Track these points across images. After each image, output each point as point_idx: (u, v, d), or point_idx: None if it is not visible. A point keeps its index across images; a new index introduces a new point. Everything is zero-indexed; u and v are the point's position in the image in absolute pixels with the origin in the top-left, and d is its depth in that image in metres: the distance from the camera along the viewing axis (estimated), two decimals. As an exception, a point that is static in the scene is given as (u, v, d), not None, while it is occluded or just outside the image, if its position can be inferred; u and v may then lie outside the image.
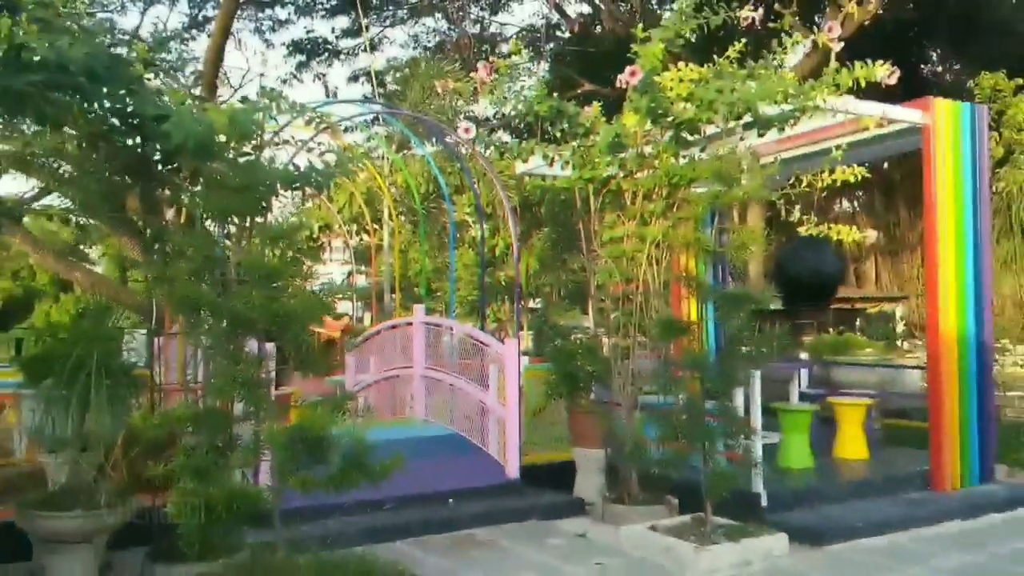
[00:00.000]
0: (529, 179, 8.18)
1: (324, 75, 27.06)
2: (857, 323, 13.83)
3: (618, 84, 6.54)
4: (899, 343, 13.83)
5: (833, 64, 6.50)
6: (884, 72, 6.39)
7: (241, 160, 4.92)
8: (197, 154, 4.70)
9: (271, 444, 4.46)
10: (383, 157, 17.17)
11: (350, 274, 26.42)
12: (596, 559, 6.30)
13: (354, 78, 28.55)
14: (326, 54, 27.12)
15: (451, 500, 7.45)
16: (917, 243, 25.91)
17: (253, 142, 5.68)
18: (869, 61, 6.45)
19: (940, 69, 26.76)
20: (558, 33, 27.30)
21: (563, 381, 7.96)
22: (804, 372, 9.98)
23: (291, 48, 26.91)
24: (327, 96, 27.21)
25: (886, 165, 25.00)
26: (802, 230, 7.69)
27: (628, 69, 6.38)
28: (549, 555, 6.38)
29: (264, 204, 4.76)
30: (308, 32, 27.11)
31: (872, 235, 7.55)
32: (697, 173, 6.90)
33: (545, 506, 7.54)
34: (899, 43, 21.44)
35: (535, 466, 8.41)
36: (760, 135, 6.84)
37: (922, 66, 26.02)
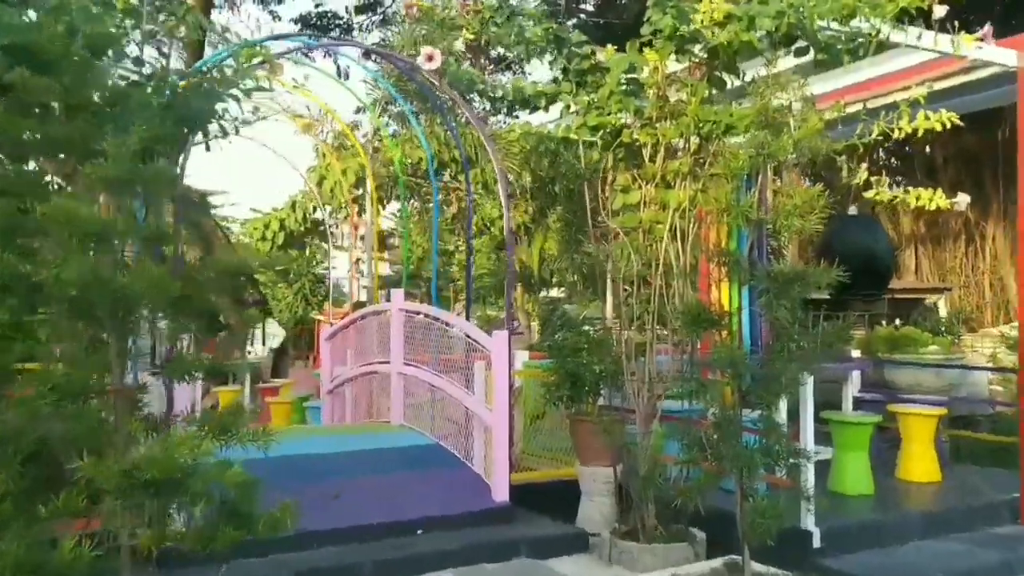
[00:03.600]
0: (520, 127, 6.66)
1: (335, 52, 25.51)
2: (908, 317, 12.25)
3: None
4: (957, 340, 12.15)
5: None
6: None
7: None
8: (13, 55, 3.22)
9: (102, 486, 2.98)
10: (392, 134, 15.69)
11: (357, 261, 24.98)
12: (597, 620, 4.81)
13: (366, 55, 27.04)
14: (336, 30, 25.65)
15: (420, 531, 5.95)
16: (960, 231, 24.16)
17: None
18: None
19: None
20: (581, 5, 25.70)
21: (565, 382, 6.45)
22: (856, 374, 8.40)
23: (300, 23, 25.46)
24: (339, 74, 25.60)
25: (928, 148, 23.18)
26: (869, 195, 6.10)
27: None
28: (536, 613, 4.88)
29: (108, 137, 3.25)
30: (317, 5, 25.61)
31: (964, 200, 5.92)
32: (735, 119, 5.34)
33: (538, 540, 6.02)
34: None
35: (531, 486, 6.91)
36: (817, 63, 5.28)
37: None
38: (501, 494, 6.36)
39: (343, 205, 16.54)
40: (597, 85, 5.55)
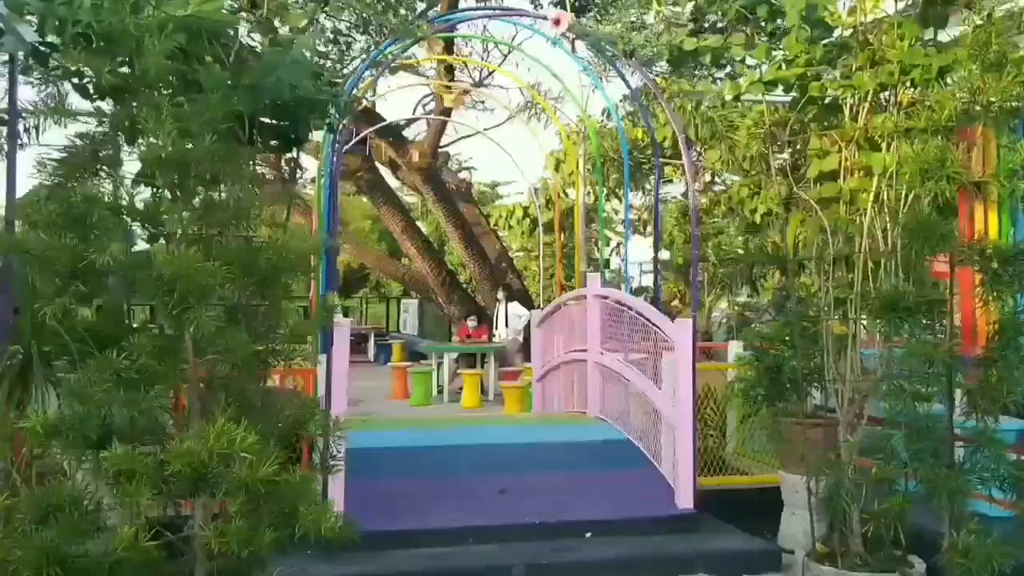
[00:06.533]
0: (671, 83, 5.89)
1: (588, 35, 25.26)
2: None
3: None
4: None
5: None
6: None
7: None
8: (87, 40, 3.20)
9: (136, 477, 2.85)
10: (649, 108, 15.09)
11: (618, 244, 24.73)
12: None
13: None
14: (593, 10, 25.38)
15: (588, 535, 5.49)
16: None
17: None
18: None
19: None
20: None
21: (763, 377, 5.67)
22: None
23: (559, 6, 25.47)
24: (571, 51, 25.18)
25: None
26: None
27: None
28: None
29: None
30: (576, -15, 25.39)
31: None
32: (952, 60, 4.33)
33: (721, 555, 5.32)
34: None
35: (730, 492, 6.23)
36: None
37: None
38: (685, 500, 5.73)
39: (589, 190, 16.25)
40: (777, 33, 4.76)
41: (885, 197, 4.82)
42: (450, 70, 14.77)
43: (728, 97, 4.96)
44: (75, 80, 3.81)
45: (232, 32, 3.98)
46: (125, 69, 3.55)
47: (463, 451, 6.24)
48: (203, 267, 2.85)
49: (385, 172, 17.37)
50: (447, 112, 14.89)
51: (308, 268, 3.57)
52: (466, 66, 16.65)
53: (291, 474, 2.96)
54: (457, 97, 12.18)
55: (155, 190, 3.43)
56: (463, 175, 23.65)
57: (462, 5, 13.37)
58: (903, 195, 4.79)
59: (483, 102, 18.78)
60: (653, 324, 6.12)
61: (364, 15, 10.84)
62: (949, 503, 3.90)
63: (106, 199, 2.90)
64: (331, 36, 14.00)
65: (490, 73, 18.04)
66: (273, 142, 4.42)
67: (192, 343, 3.14)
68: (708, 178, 16.56)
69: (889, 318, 4.20)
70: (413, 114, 18.01)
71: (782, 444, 5.74)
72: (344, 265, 29.81)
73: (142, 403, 3.00)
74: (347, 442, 5.23)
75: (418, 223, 24.30)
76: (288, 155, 4.51)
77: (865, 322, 5.02)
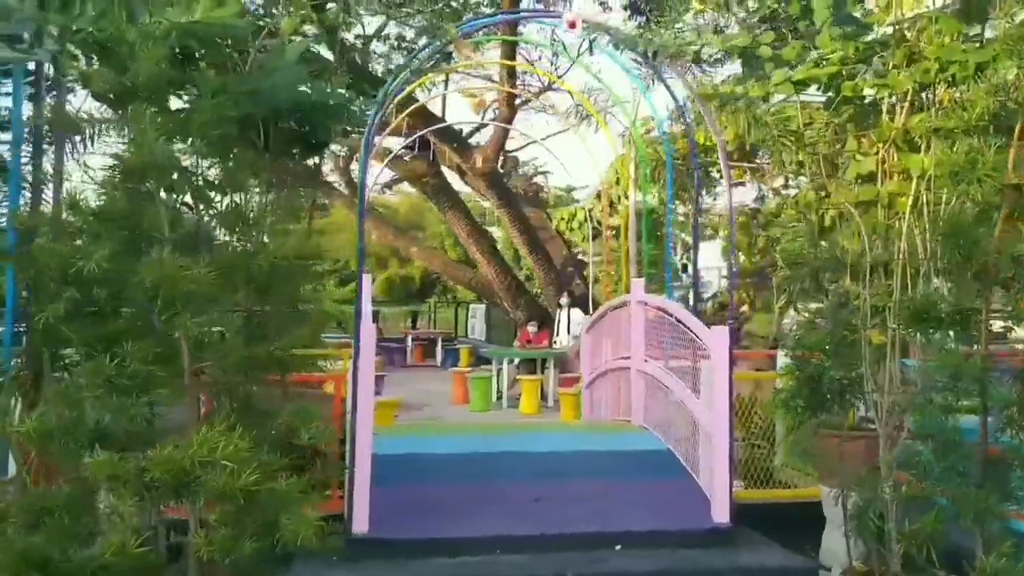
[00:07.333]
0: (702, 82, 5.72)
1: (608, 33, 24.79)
2: None
3: None
4: None
5: None
6: None
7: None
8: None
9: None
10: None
11: (688, 249, 24.32)
12: None
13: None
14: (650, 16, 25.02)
15: (618, 547, 5.37)
16: None
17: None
18: None
19: None
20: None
21: (802, 388, 5.47)
22: None
23: (630, 9, 25.22)
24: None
25: None
26: None
27: None
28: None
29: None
30: (642, -14, 25.12)
31: None
32: (993, 54, 4.11)
33: (757, 571, 5.15)
34: None
35: (772, 506, 6.04)
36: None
37: None
38: (721, 513, 5.56)
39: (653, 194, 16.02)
40: (809, 32, 4.59)
41: (924, 200, 4.60)
42: (512, 75, 14.75)
43: (757, 96, 4.80)
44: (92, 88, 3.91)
45: (250, 37, 4.03)
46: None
47: (503, 458, 6.21)
48: (188, 274, 2.87)
49: (453, 177, 17.45)
50: (510, 119, 14.87)
51: (313, 274, 3.57)
52: (534, 70, 16.61)
53: (277, 482, 2.96)
54: (479, 102, 12.12)
55: (175, 196, 3.51)
56: (538, 179, 23.52)
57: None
58: (943, 199, 4.58)
59: (552, 106, 18.70)
60: (691, 331, 5.97)
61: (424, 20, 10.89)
62: (978, 523, 3.68)
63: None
64: (395, 43, 14.16)
65: (559, 78, 17.99)
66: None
67: (187, 348, 3.18)
68: (780, 181, 16.19)
69: (919, 328, 4.00)
70: (482, 119, 18.04)
71: (817, 457, 5.54)
72: (419, 271, 30.04)
73: (131, 409, 3.05)
74: (376, 448, 5.29)
75: (492, 228, 24.25)
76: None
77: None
